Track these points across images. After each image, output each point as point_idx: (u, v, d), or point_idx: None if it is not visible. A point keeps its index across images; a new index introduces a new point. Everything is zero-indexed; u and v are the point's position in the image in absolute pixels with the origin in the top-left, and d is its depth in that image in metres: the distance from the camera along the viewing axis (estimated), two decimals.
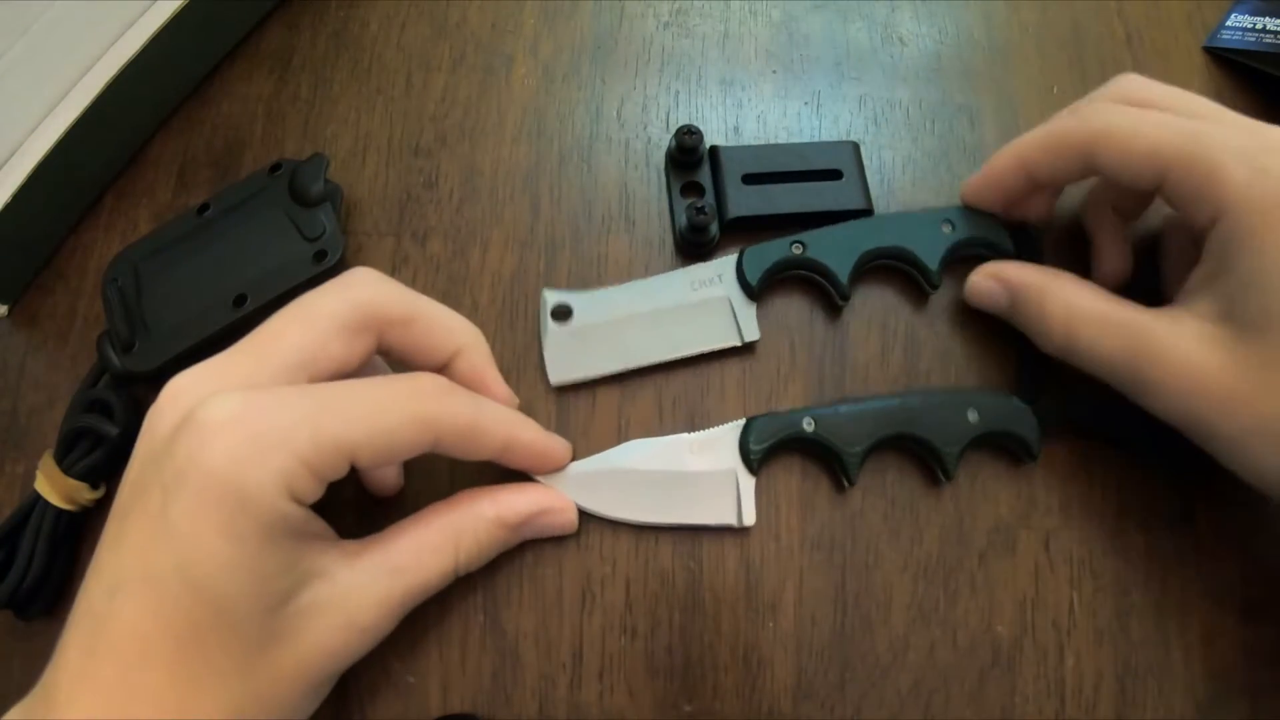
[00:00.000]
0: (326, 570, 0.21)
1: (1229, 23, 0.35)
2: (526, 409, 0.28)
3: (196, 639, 0.19)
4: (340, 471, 0.21)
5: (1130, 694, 0.26)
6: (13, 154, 0.28)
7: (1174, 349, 0.23)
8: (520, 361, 0.29)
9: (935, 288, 0.29)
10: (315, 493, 0.20)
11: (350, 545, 0.23)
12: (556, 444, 0.26)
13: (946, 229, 0.29)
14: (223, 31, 0.33)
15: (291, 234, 0.29)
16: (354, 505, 0.27)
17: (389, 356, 0.25)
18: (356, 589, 0.22)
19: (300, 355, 0.21)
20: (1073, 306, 0.25)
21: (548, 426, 0.28)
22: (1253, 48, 0.34)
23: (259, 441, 0.19)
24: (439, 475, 0.28)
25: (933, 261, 0.29)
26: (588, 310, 0.29)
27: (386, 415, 0.21)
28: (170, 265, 0.29)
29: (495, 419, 0.24)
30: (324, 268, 0.28)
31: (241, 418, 0.19)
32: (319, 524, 0.22)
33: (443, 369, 0.24)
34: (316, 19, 0.35)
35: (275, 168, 0.30)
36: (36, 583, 0.26)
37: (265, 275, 0.28)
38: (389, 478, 0.27)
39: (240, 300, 0.28)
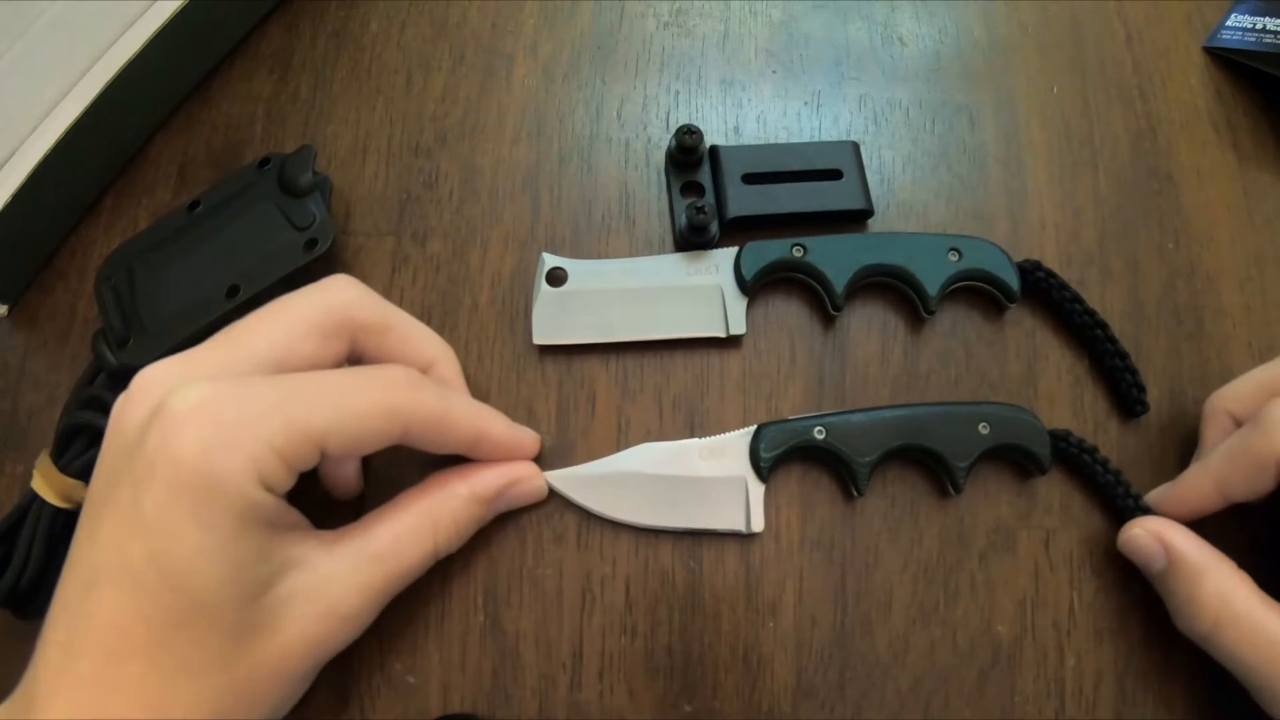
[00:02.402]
0: (304, 559, 0.21)
1: (1229, 23, 0.35)
2: (527, 408, 0.29)
3: (173, 631, 0.19)
4: (311, 460, 0.21)
5: (1130, 694, 0.26)
6: (12, 154, 0.28)
7: None
8: (520, 362, 0.29)
9: (931, 313, 0.29)
10: (287, 481, 0.20)
11: (328, 534, 0.23)
12: (526, 436, 0.26)
13: (953, 256, 0.29)
14: (223, 31, 0.33)
15: (282, 224, 0.29)
16: (338, 503, 0.27)
17: (361, 364, 0.25)
18: (337, 577, 0.22)
19: (271, 352, 0.22)
20: (1227, 602, 0.24)
21: (548, 426, 0.28)
22: (1253, 48, 0.34)
23: (229, 429, 0.19)
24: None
25: (933, 287, 0.29)
26: (582, 277, 0.29)
27: (356, 404, 0.21)
28: (163, 261, 0.29)
29: (465, 411, 0.24)
30: (315, 255, 0.28)
31: (211, 406, 0.19)
32: (293, 514, 0.22)
33: None
34: (316, 19, 0.35)
35: (264, 162, 0.30)
36: (34, 581, 0.26)
37: (257, 265, 0.28)
38: (350, 478, 0.26)
39: (233, 291, 0.28)
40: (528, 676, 0.26)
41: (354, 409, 0.21)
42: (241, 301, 0.28)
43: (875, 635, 0.27)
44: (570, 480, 0.27)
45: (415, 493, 0.24)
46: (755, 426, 0.27)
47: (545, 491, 0.27)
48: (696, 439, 0.28)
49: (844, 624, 0.27)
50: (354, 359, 0.24)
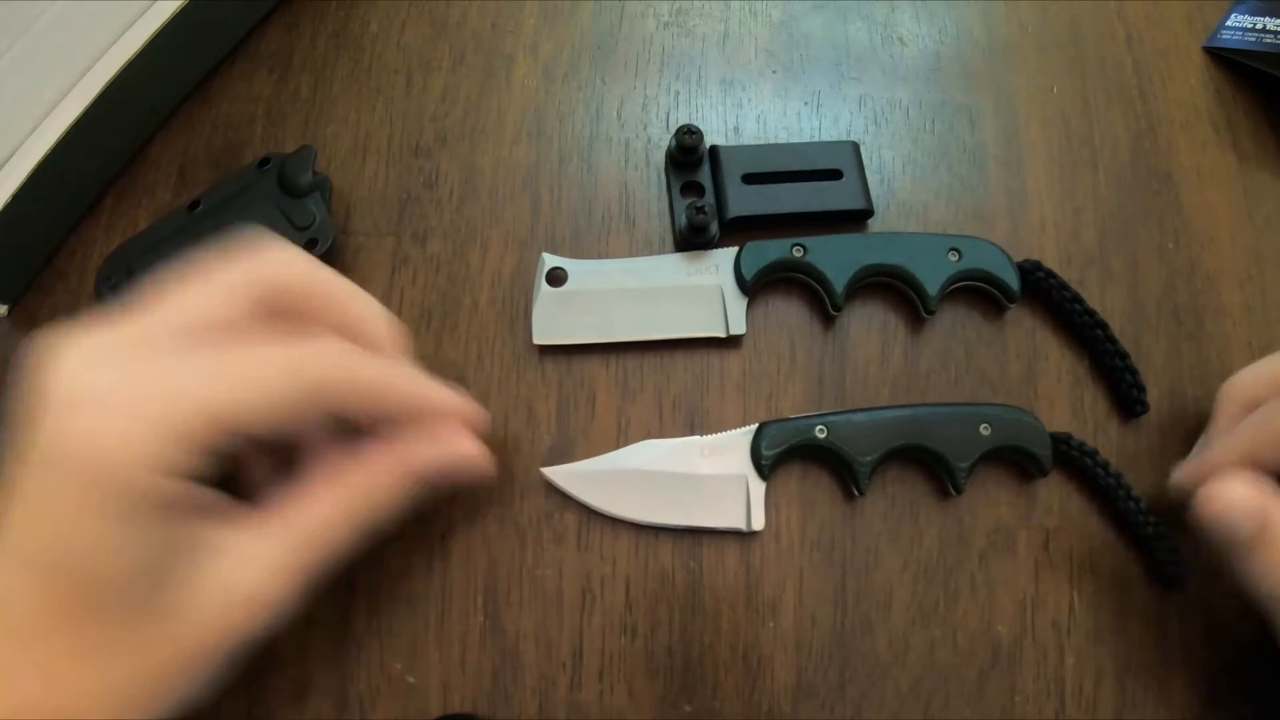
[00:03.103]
0: (221, 544, 0.20)
1: (1229, 23, 0.35)
2: (527, 408, 0.29)
3: (77, 617, 0.19)
4: (226, 442, 0.19)
5: (1130, 694, 0.26)
6: (12, 154, 0.28)
7: None
8: (520, 362, 0.29)
9: (931, 313, 0.29)
10: (197, 465, 0.19)
11: (250, 516, 0.21)
12: (469, 407, 0.24)
13: (953, 257, 0.29)
14: (222, 31, 0.33)
15: (282, 224, 0.29)
16: None
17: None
18: (258, 561, 0.21)
19: (193, 320, 0.20)
20: None
21: (548, 425, 0.28)
22: (1253, 48, 0.34)
23: (125, 416, 0.18)
24: None
25: (933, 287, 0.29)
26: (582, 277, 0.29)
27: (274, 381, 0.20)
28: (163, 261, 0.29)
29: (402, 381, 0.22)
30: (315, 255, 0.28)
31: (110, 392, 0.18)
32: (208, 496, 0.21)
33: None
34: (316, 19, 0.35)
35: (264, 162, 0.30)
36: None
37: None
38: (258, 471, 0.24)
39: None
40: (528, 676, 0.26)
41: (272, 387, 0.19)
42: None
43: (875, 635, 0.27)
44: (570, 476, 0.27)
45: (347, 466, 0.22)
46: (757, 425, 0.27)
47: (487, 466, 0.24)
48: (698, 437, 0.28)
49: (844, 624, 0.27)
50: (285, 325, 0.22)
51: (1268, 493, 0.24)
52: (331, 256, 0.29)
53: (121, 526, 0.18)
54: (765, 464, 0.27)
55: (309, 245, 0.29)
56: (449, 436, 0.24)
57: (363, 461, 0.23)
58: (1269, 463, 0.24)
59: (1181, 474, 0.27)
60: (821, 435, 0.27)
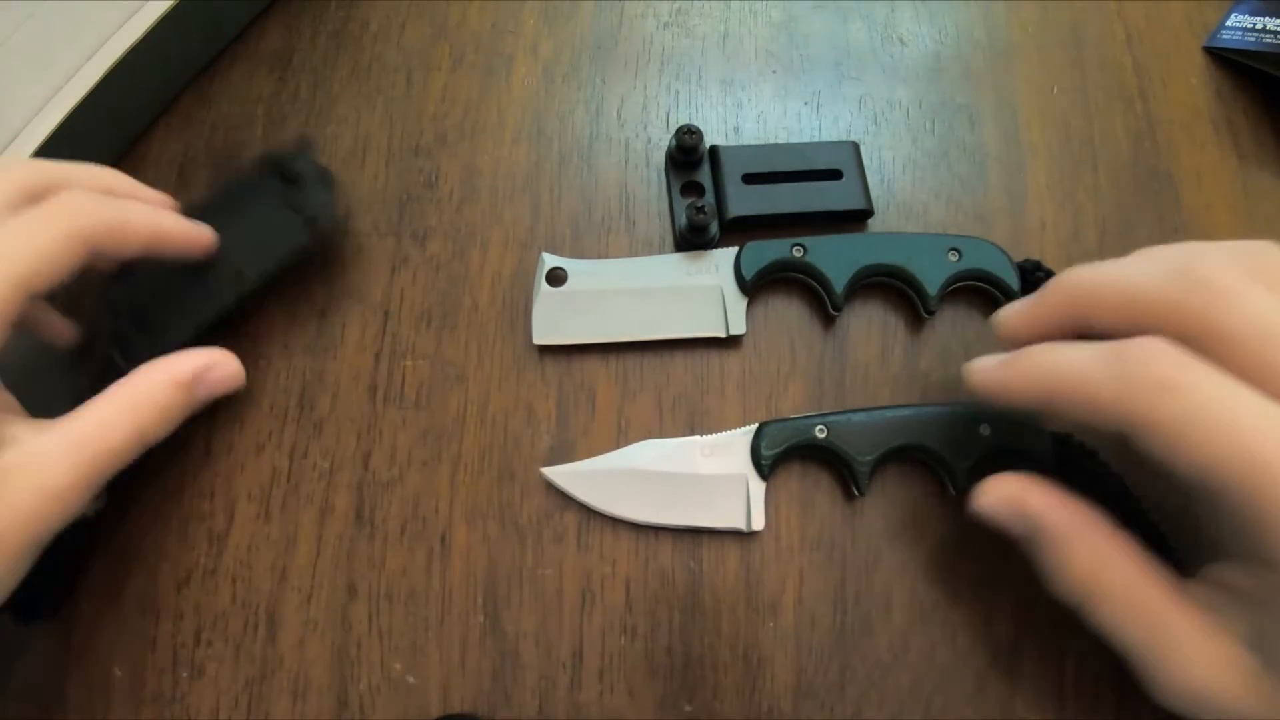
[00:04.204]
0: (15, 438, 0.22)
1: (1229, 23, 0.35)
2: (527, 408, 0.29)
3: None
4: (18, 308, 0.22)
5: (1130, 694, 0.26)
6: (13, 140, 0.28)
7: (1193, 660, 0.20)
8: (520, 362, 0.29)
9: (931, 314, 0.29)
10: (1, 338, 0.22)
11: (40, 421, 0.24)
12: (198, 226, 0.27)
13: (953, 256, 0.29)
14: (223, 21, 0.33)
15: (283, 211, 0.29)
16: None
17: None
18: (45, 455, 0.22)
19: None
20: (1098, 574, 0.22)
21: (548, 425, 0.28)
22: (1253, 48, 0.34)
23: None
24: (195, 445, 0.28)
25: (932, 287, 0.29)
26: (581, 277, 0.29)
27: (43, 241, 0.22)
28: (167, 261, 0.29)
29: (141, 216, 0.25)
30: (317, 232, 0.28)
31: None
32: (6, 396, 0.24)
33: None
34: (316, 19, 0.35)
35: (264, 159, 0.30)
36: (37, 590, 0.25)
37: (260, 250, 0.28)
38: (54, 325, 0.28)
39: (239, 277, 0.28)
40: (528, 676, 0.26)
41: (42, 245, 0.22)
42: (247, 289, 0.28)
43: (875, 635, 0.27)
44: (570, 476, 0.27)
45: (120, 383, 0.25)
46: (757, 425, 0.27)
47: (242, 376, 0.27)
48: (698, 437, 0.28)
49: (844, 624, 0.27)
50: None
51: (1043, 490, 0.23)
52: (336, 240, 0.29)
53: None
54: (765, 464, 0.27)
55: (309, 222, 0.29)
56: (208, 353, 0.26)
57: (136, 377, 0.25)
58: (1055, 408, 0.22)
59: (974, 376, 0.24)
60: (821, 435, 0.27)
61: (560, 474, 0.27)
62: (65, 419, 0.24)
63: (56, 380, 0.28)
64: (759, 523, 0.27)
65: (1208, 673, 0.20)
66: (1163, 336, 0.20)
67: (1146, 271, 0.21)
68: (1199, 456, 0.19)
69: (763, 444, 0.27)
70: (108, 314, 0.28)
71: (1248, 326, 0.19)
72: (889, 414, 0.27)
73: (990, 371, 0.24)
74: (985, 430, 0.27)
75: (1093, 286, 0.23)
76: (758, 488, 0.27)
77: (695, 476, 0.27)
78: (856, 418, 0.27)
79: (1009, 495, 0.24)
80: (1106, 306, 0.22)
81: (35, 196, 0.24)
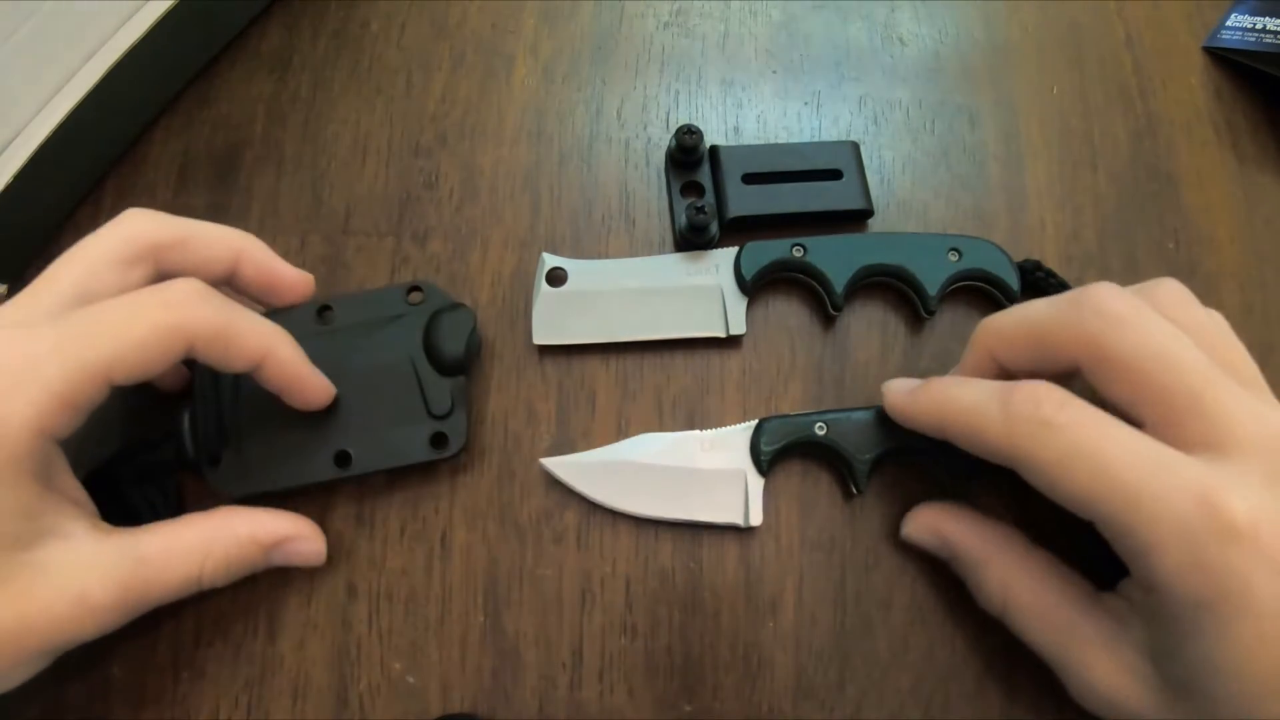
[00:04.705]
0: (71, 534, 0.21)
1: (1229, 23, 0.35)
2: (527, 408, 0.29)
3: None
4: (97, 396, 0.21)
5: None
6: (16, 135, 0.28)
7: (1099, 668, 0.22)
8: (521, 361, 0.29)
9: (931, 314, 0.29)
10: (71, 423, 0.21)
11: (103, 524, 0.22)
12: (317, 376, 0.25)
13: (953, 256, 0.29)
14: (223, 21, 0.33)
15: (415, 400, 0.26)
16: None
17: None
18: (97, 563, 0.21)
19: (75, 289, 0.22)
20: (1009, 590, 0.24)
21: (548, 424, 0.28)
22: (1253, 48, 0.34)
23: (7, 375, 0.19)
24: None
25: (932, 287, 0.29)
26: (581, 278, 0.29)
27: (134, 329, 0.21)
28: None
29: (251, 328, 0.23)
30: (441, 455, 0.26)
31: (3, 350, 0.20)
32: (77, 490, 0.22)
33: (231, 279, 0.25)
34: (316, 19, 0.35)
35: (413, 288, 0.28)
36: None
37: (375, 442, 0.26)
38: (168, 381, 0.27)
39: (343, 459, 0.26)
40: (528, 676, 0.26)
41: (132, 335, 0.21)
42: (349, 475, 0.26)
43: (875, 635, 0.27)
44: (569, 467, 0.27)
45: (199, 517, 0.24)
46: (757, 420, 0.27)
47: (323, 556, 0.25)
48: (698, 431, 0.28)
49: (844, 624, 0.27)
50: (163, 275, 0.24)
51: (960, 517, 0.26)
52: (458, 456, 0.27)
53: (2, 485, 0.19)
54: (764, 459, 0.27)
55: (436, 441, 0.26)
56: (297, 522, 0.25)
57: (216, 517, 0.24)
58: (951, 439, 0.24)
59: (887, 396, 0.26)
60: (821, 432, 0.27)
61: (559, 465, 0.27)
62: (132, 531, 0.22)
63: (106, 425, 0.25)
64: (757, 518, 0.27)
65: (1114, 680, 0.22)
66: (1048, 381, 0.22)
67: (1049, 305, 0.23)
68: (1078, 491, 0.20)
69: (762, 440, 0.27)
70: (195, 396, 0.26)
71: (1140, 349, 0.21)
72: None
73: (898, 396, 0.25)
74: None
75: (1000, 330, 0.24)
76: (756, 483, 0.27)
77: (694, 471, 0.27)
78: (856, 415, 0.27)
79: (929, 524, 0.26)
80: (1017, 347, 0.24)
81: (147, 257, 0.23)
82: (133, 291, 0.22)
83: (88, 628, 0.21)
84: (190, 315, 0.22)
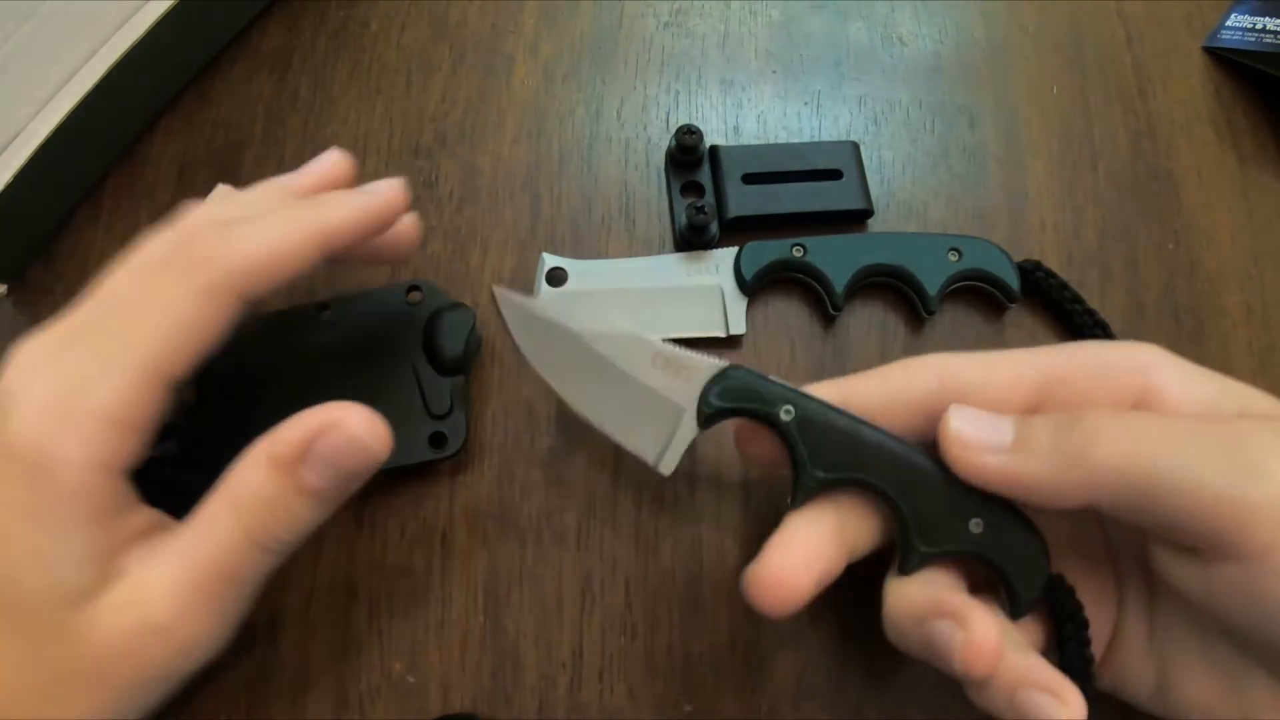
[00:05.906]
0: (124, 571, 0.19)
1: (1229, 23, 0.35)
2: (527, 408, 0.29)
3: None
4: (163, 399, 0.19)
5: None
6: (16, 135, 0.28)
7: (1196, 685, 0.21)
8: (521, 361, 0.29)
9: (931, 313, 0.29)
10: (135, 449, 0.19)
11: (157, 542, 0.19)
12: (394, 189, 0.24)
13: (953, 256, 0.29)
14: (223, 21, 0.33)
15: (415, 400, 0.26)
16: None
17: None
18: (149, 583, 0.19)
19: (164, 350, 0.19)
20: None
21: (548, 424, 0.28)
22: (1252, 48, 0.34)
23: (60, 403, 0.17)
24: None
25: (933, 287, 0.29)
26: (582, 278, 0.30)
27: (181, 309, 0.19)
28: (280, 363, 0.26)
29: (297, 227, 0.21)
30: (441, 455, 0.26)
31: (44, 389, 0.18)
32: (148, 516, 0.20)
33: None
34: (316, 19, 0.35)
35: (413, 288, 0.27)
36: None
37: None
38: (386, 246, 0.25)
39: None
40: (528, 676, 0.26)
41: (183, 315, 0.19)
42: None
43: (875, 635, 0.27)
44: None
45: (223, 476, 0.20)
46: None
47: (378, 434, 0.20)
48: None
49: (844, 624, 0.27)
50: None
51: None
52: (460, 459, 0.27)
53: (56, 534, 0.18)
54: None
55: (435, 441, 0.26)
56: (319, 412, 0.19)
57: (238, 461, 0.19)
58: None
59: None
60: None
61: (515, 298, 0.24)
62: (173, 534, 0.19)
63: None
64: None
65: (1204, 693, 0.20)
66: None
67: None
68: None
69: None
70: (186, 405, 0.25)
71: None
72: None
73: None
74: None
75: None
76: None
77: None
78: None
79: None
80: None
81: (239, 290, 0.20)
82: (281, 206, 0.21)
83: (167, 652, 0.19)
84: (330, 219, 0.21)
